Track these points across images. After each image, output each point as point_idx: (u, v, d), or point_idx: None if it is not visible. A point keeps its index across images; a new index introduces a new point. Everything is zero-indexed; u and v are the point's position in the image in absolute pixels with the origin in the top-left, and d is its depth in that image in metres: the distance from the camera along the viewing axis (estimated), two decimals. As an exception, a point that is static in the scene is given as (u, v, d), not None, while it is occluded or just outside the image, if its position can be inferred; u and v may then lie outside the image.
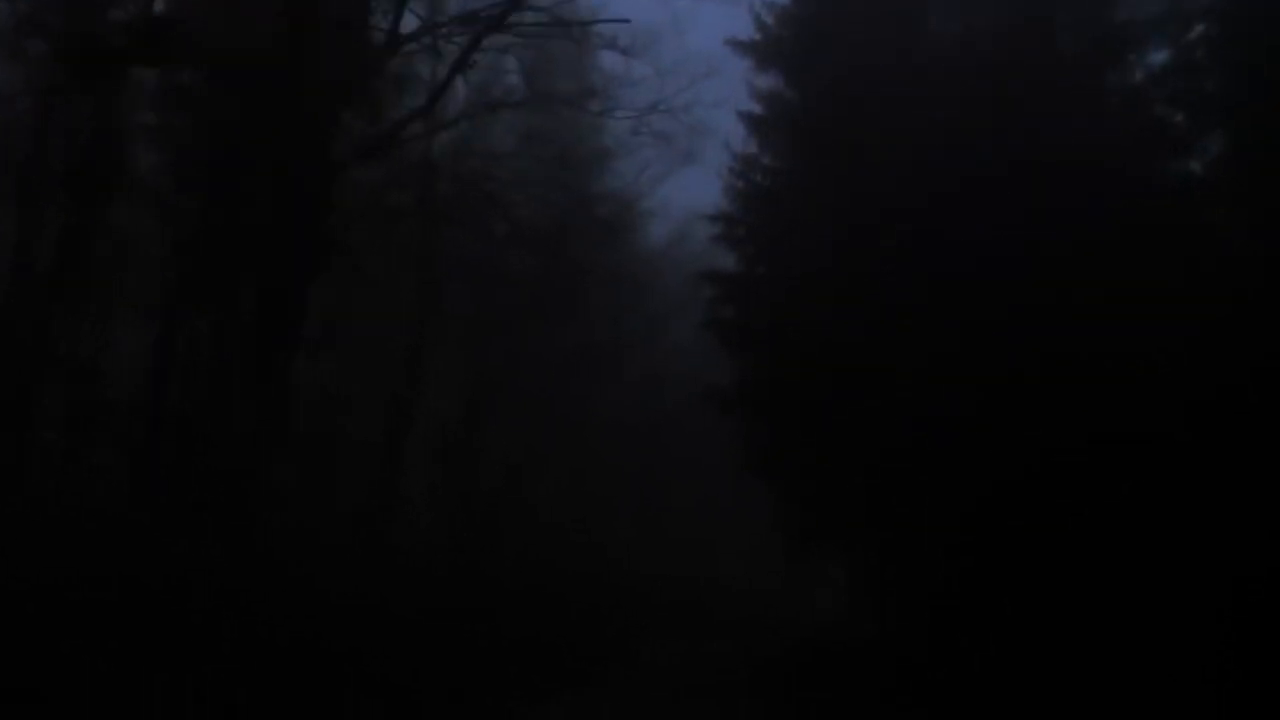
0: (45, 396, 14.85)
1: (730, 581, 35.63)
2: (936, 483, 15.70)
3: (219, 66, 14.10)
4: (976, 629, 15.07)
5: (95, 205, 13.61)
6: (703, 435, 31.65)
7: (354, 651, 14.12)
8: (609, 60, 21.82)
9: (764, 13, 20.84)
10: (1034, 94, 16.09)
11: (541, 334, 26.40)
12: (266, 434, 14.64)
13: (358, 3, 16.76)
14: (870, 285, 16.90)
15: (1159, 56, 16.46)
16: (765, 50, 20.90)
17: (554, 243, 21.80)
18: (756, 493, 24.61)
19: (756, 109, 21.64)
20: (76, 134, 13.58)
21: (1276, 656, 11.05)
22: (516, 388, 26.60)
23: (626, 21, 19.64)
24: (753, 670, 21.14)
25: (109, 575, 11.66)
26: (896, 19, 18.75)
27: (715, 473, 31.32)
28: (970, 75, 16.91)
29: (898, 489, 16.68)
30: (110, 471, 14.11)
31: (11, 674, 9.46)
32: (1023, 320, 14.71)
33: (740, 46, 21.01)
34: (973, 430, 15.03)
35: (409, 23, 19.04)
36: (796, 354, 18.76)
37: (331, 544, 20.70)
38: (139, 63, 14.19)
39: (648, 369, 33.71)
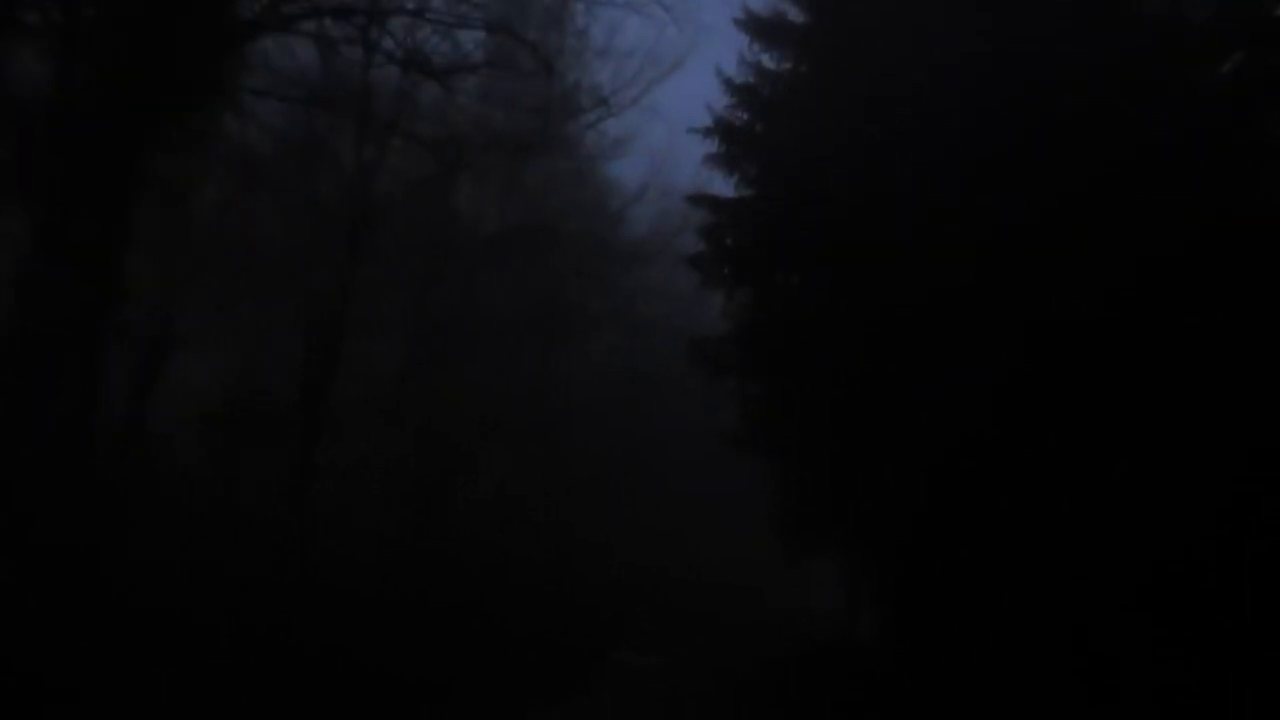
0: None
1: (720, 575, 33.35)
2: (945, 466, 14.28)
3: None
4: (974, 627, 14.27)
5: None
6: (690, 412, 29.65)
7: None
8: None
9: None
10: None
11: (501, 274, 22.75)
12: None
13: None
14: (895, 204, 14.37)
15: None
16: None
17: (517, 165, 17.96)
18: (751, 476, 22.53)
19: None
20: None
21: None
22: (470, 340, 22.71)
23: None
24: (745, 677, 19.87)
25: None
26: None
27: (704, 452, 28.19)
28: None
29: (899, 466, 15.15)
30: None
31: None
32: (1063, 244, 13.00)
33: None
34: (999, 403, 13.43)
35: None
36: (799, 287, 16.83)
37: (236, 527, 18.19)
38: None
39: (627, 324, 29.90)
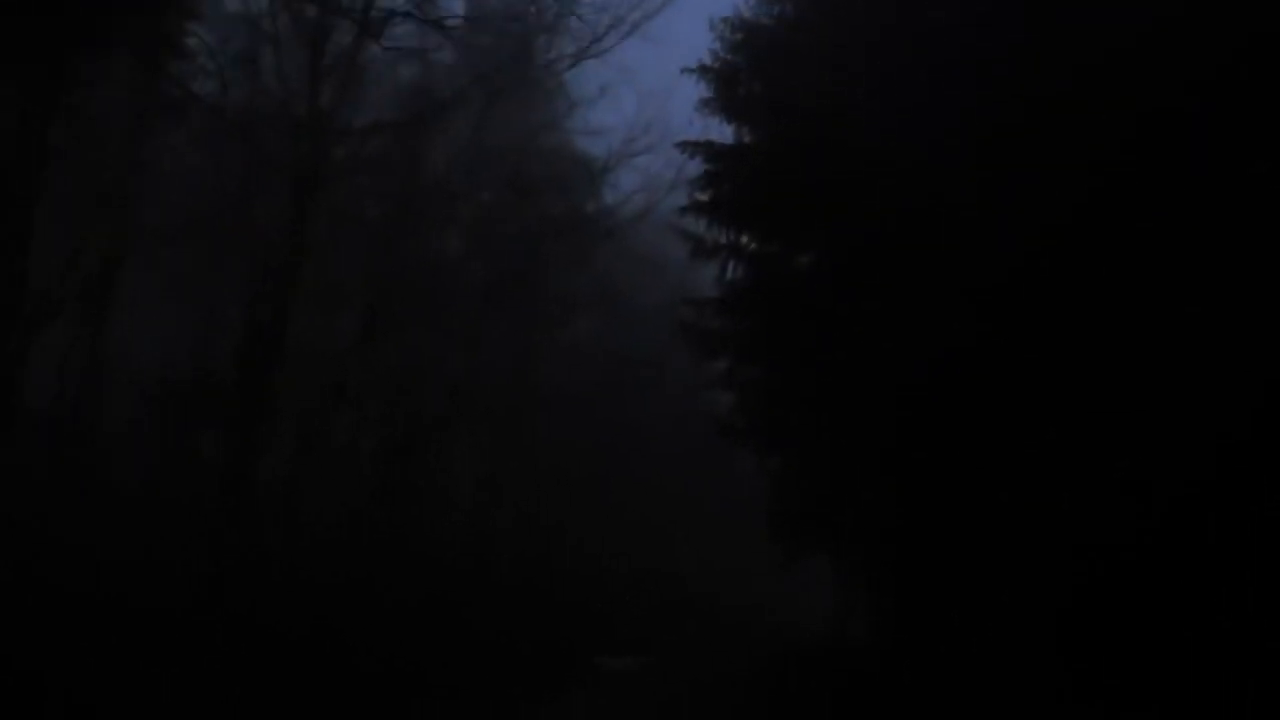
0: None
1: (711, 569, 32.52)
2: (945, 458, 13.99)
3: None
4: (972, 622, 14.05)
5: None
6: (678, 397, 29.37)
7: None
8: None
9: None
10: None
11: (474, 240, 21.12)
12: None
13: None
14: (894, 154, 13.35)
15: None
16: None
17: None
18: (743, 465, 22.69)
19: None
20: None
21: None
22: (432, 304, 20.95)
23: None
24: (737, 675, 19.59)
25: None
26: None
27: (693, 438, 27.73)
28: None
29: (899, 458, 14.79)
30: None
31: None
32: (1065, 215, 11.90)
33: None
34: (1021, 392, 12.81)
35: None
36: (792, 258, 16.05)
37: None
38: None
39: (610, 302, 28.36)
